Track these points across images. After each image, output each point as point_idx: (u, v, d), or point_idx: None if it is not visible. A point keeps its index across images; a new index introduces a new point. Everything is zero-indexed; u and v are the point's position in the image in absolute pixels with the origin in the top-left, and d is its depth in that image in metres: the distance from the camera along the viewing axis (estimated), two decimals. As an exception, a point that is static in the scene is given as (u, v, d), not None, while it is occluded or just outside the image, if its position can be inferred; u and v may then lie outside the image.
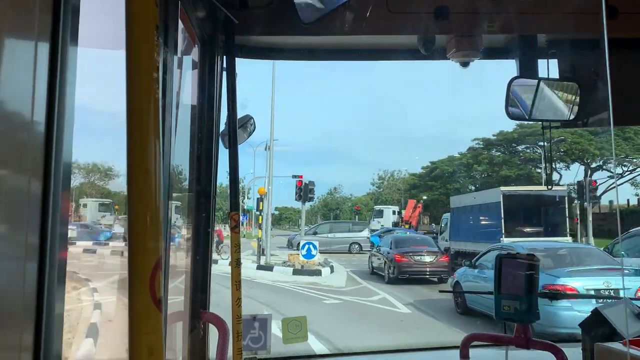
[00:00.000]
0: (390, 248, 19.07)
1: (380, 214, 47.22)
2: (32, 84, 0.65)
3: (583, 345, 1.99)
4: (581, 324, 2.05)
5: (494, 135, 43.50)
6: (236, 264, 1.90)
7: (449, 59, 2.22)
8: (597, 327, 1.92)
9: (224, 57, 2.09)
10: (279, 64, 21.63)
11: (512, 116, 2.27)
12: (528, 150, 43.06)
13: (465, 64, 2.22)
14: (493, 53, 2.32)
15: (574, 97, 2.26)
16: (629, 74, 2.13)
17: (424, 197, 53.50)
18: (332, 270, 20.75)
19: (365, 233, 33.81)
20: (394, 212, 45.70)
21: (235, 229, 1.94)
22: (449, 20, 2.08)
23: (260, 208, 24.27)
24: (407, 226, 41.85)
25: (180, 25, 1.73)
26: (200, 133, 2.10)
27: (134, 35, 0.61)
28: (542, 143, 38.61)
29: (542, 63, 2.28)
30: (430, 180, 53.71)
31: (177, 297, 2.01)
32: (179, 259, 2.08)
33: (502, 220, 20.14)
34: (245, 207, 54.55)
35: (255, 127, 2.36)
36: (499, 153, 44.39)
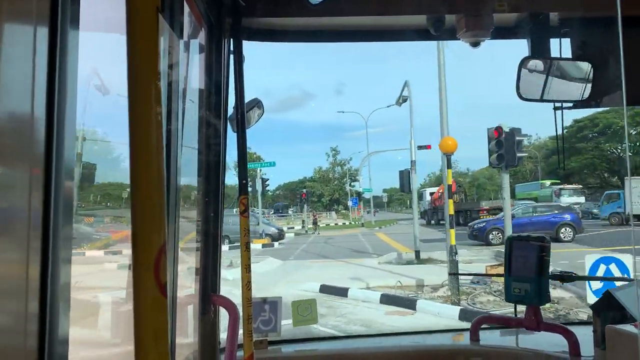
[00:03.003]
0: None
1: (421, 196, 43.00)
2: (32, 71, 0.64)
3: (594, 327, 1.98)
4: (593, 305, 2.04)
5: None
6: (245, 247, 1.91)
7: (458, 39, 2.18)
8: (608, 310, 1.91)
9: (231, 40, 2.08)
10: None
11: (523, 97, 2.23)
12: None
13: (475, 44, 2.18)
14: (503, 33, 2.28)
15: (587, 77, 2.22)
16: None
17: (572, 164, 42.07)
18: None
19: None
20: (431, 194, 42.33)
21: (244, 213, 1.94)
22: None
23: (449, 181, 12.44)
24: (435, 204, 39.99)
25: (187, 8, 1.72)
26: (208, 117, 2.09)
27: (135, 18, 0.60)
28: None
29: (554, 42, 2.24)
30: (578, 142, 43.37)
31: (187, 281, 2.02)
32: (189, 243, 2.09)
33: None
34: (361, 190, 46.46)
35: (263, 111, 2.34)
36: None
